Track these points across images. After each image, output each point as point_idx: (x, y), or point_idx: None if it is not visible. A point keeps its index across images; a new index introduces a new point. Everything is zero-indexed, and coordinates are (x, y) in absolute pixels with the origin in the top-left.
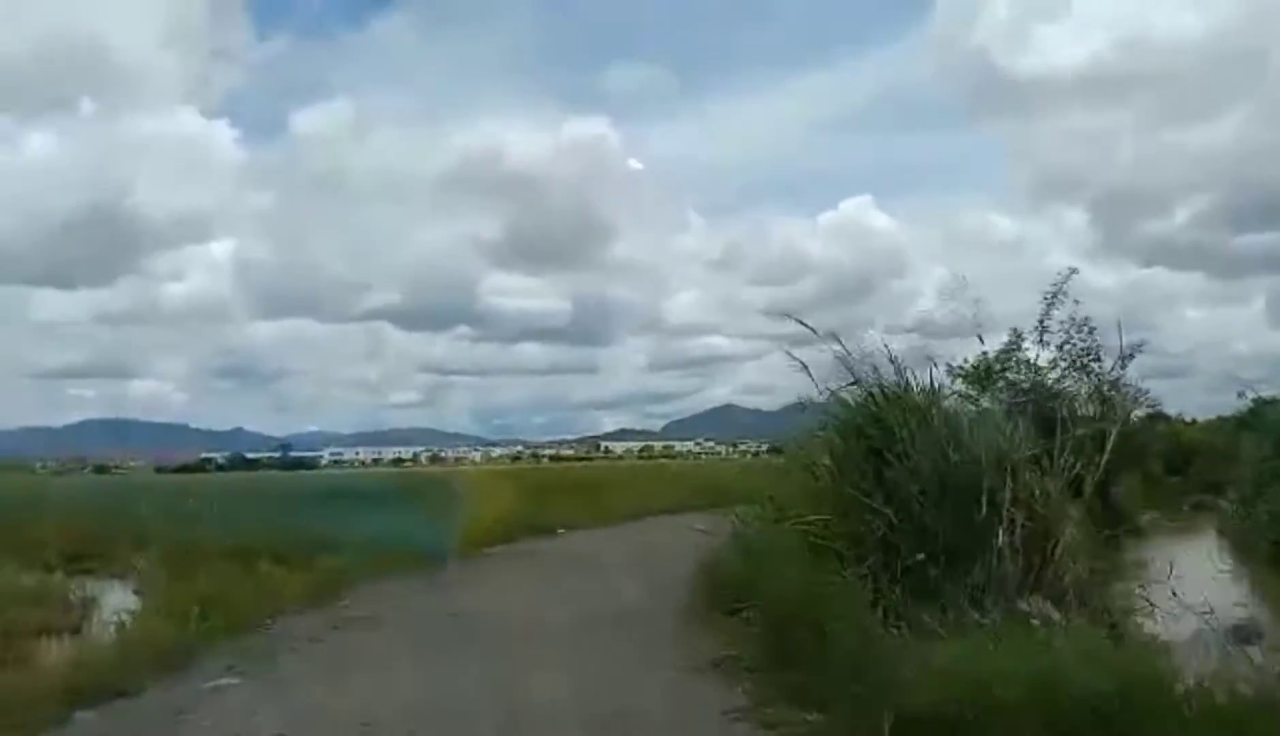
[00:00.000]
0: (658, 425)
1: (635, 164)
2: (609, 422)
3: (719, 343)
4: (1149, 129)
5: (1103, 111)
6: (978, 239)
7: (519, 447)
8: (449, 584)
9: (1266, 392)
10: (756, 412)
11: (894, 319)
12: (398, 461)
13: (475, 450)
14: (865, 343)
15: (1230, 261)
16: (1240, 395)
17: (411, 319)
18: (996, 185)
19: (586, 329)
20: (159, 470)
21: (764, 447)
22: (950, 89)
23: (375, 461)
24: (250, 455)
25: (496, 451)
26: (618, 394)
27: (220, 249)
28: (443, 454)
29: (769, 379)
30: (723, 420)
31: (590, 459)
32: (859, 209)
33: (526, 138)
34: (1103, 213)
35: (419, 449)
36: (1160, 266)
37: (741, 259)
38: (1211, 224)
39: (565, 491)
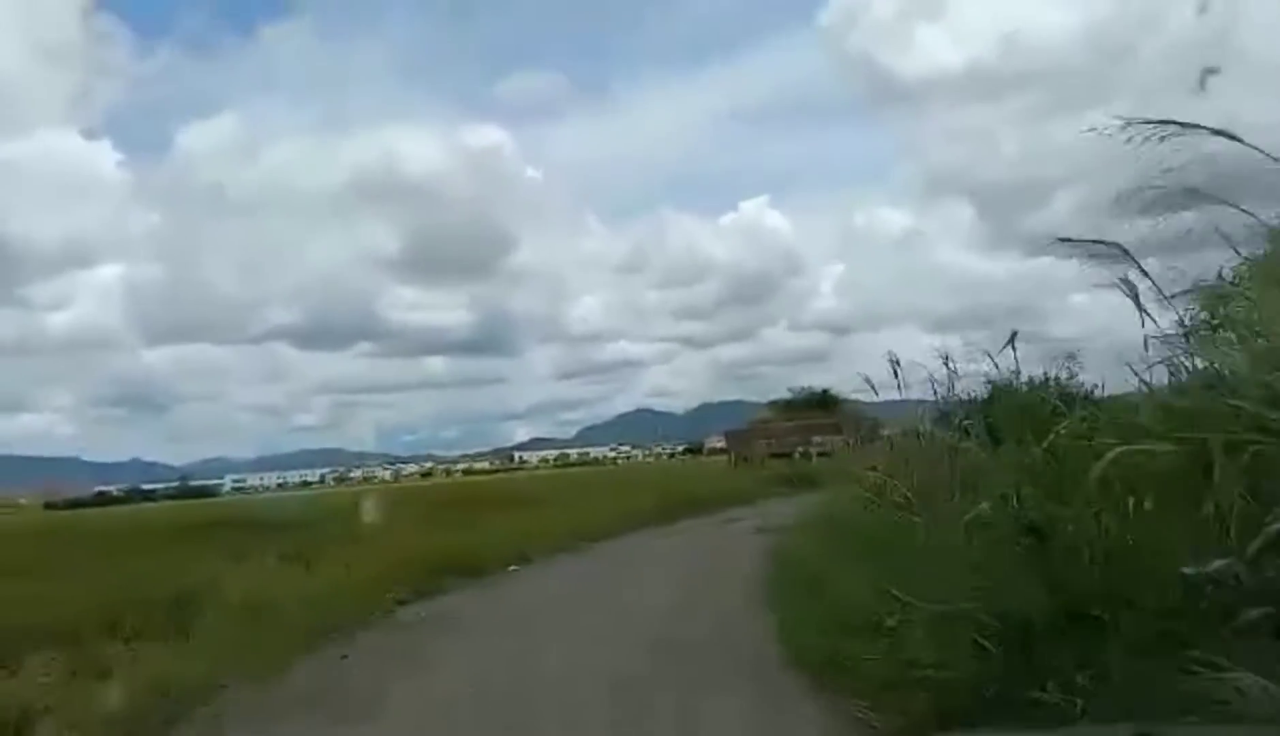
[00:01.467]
0: (570, 432)
1: (533, 171)
2: (521, 433)
3: (626, 347)
4: (1029, 123)
5: (985, 108)
6: (871, 234)
7: (429, 463)
8: (357, 702)
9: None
10: (668, 415)
11: (796, 316)
12: (304, 485)
13: (384, 468)
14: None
15: (1112, 248)
16: None
17: (311, 338)
18: (888, 181)
19: (492, 340)
20: (49, 506)
21: (680, 448)
22: (838, 88)
23: (280, 486)
24: (147, 486)
25: (407, 468)
26: (528, 404)
27: (107, 274)
28: (350, 474)
29: (678, 381)
30: (634, 424)
31: (506, 470)
32: (757, 209)
33: (422, 148)
34: (989, 205)
35: (325, 470)
36: (1048, 256)
37: (644, 262)
38: (1093, 213)
39: (500, 510)
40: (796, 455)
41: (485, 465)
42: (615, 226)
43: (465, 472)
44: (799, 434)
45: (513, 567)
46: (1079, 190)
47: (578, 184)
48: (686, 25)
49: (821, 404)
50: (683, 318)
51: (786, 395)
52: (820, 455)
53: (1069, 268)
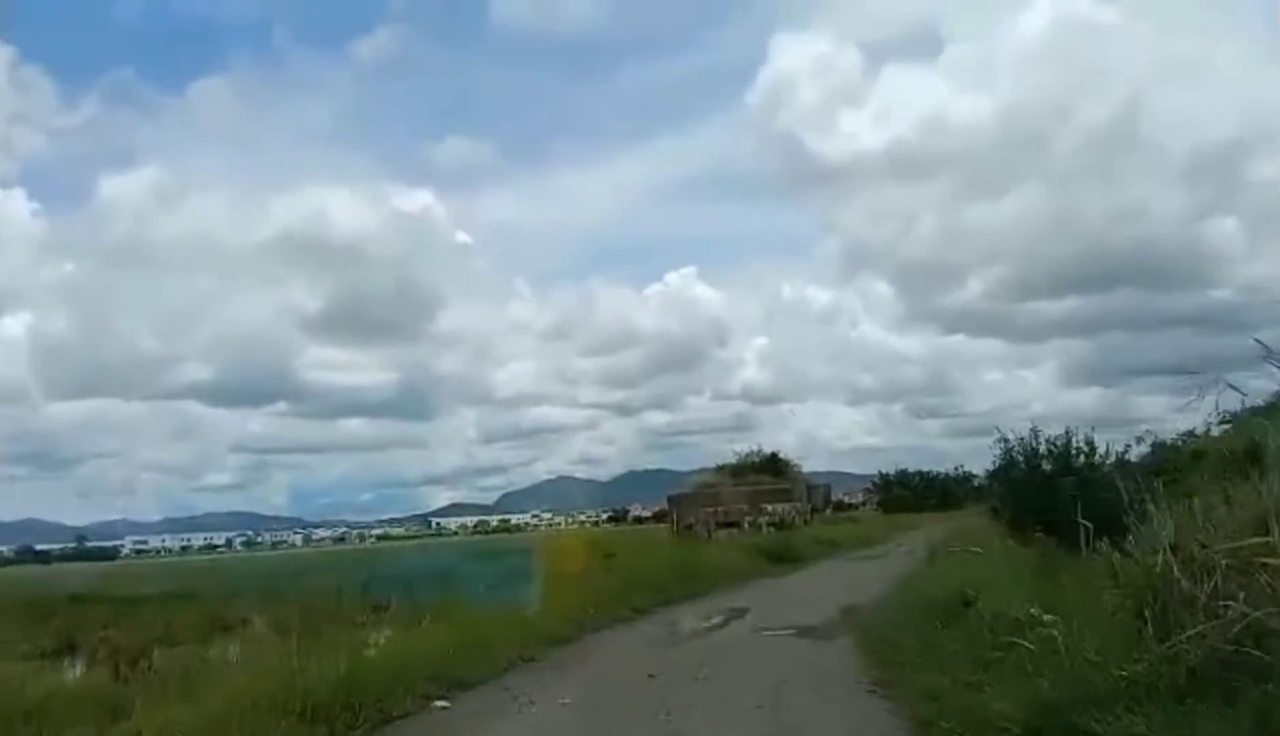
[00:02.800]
0: (491, 498)
1: (463, 235)
2: (440, 498)
3: (550, 413)
4: (945, 206)
5: (903, 190)
6: (796, 309)
7: (343, 528)
8: None
9: None
10: (590, 482)
11: (720, 386)
12: (210, 548)
13: (296, 533)
14: None
15: (1024, 328)
16: None
17: (225, 396)
18: (811, 256)
19: (414, 403)
20: None
21: (604, 516)
22: (766, 166)
23: (184, 549)
24: (41, 547)
25: (319, 533)
26: (448, 468)
27: (13, 325)
28: (259, 538)
29: (601, 449)
30: (557, 491)
31: (423, 536)
32: (684, 280)
33: (349, 209)
34: (907, 284)
35: (233, 534)
36: (961, 334)
37: (571, 329)
38: (1005, 294)
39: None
40: (745, 525)
41: (402, 531)
42: (544, 293)
43: (380, 538)
44: (749, 501)
45: (440, 704)
46: (991, 272)
47: (508, 250)
48: (617, 101)
49: (770, 469)
50: (607, 385)
51: (732, 459)
52: (771, 526)
53: (981, 346)
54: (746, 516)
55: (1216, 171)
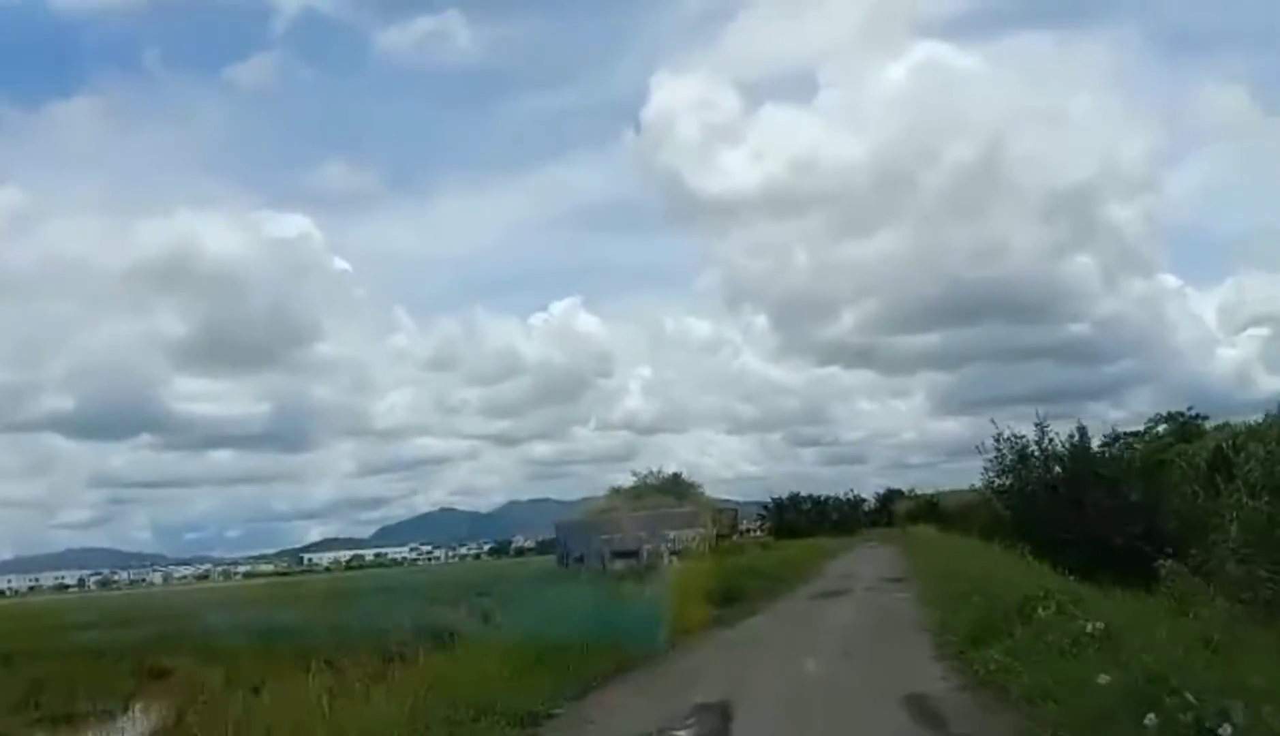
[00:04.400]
0: (367, 532)
1: (341, 262)
2: (314, 532)
3: (430, 444)
4: (819, 242)
5: (779, 226)
6: (678, 340)
7: (208, 566)
8: None
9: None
10: (472, 514)
11: (604, 415)
12: (61, 588)
13: (158, 570)
14: None
15: (894, 360)
16: None
17: (85, 427)
18: (693, 290)
19: (286, 434)
20: None
21: (485, 548)
22: (647, 200)
23: (32, 589)
24: None
25: (181, 571)
26: (323, 502)
27: None
28: (116, 577)
29: (484, 479)
30: (437, 524)
31: (294, 573)
32: (569, 310)
33: (221, 234)
34: (784, 317)
35: (88, 572)
36: (835, 365)
37: (453, 358)
38: (876, 327)
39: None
40: (645, 554)
41: (271, 567)
42: (425, 322)
43: (247, 576)
44: (649, 527)
45: None
46: (863, 306)
47: (388, 278)
48: (499, 133)
49: (672, 491)
50: (490, 415)
51: (630, 481)
52: (674, 554)
53: (854, 377)
54: (646, 545)
55: (1072, 213)
